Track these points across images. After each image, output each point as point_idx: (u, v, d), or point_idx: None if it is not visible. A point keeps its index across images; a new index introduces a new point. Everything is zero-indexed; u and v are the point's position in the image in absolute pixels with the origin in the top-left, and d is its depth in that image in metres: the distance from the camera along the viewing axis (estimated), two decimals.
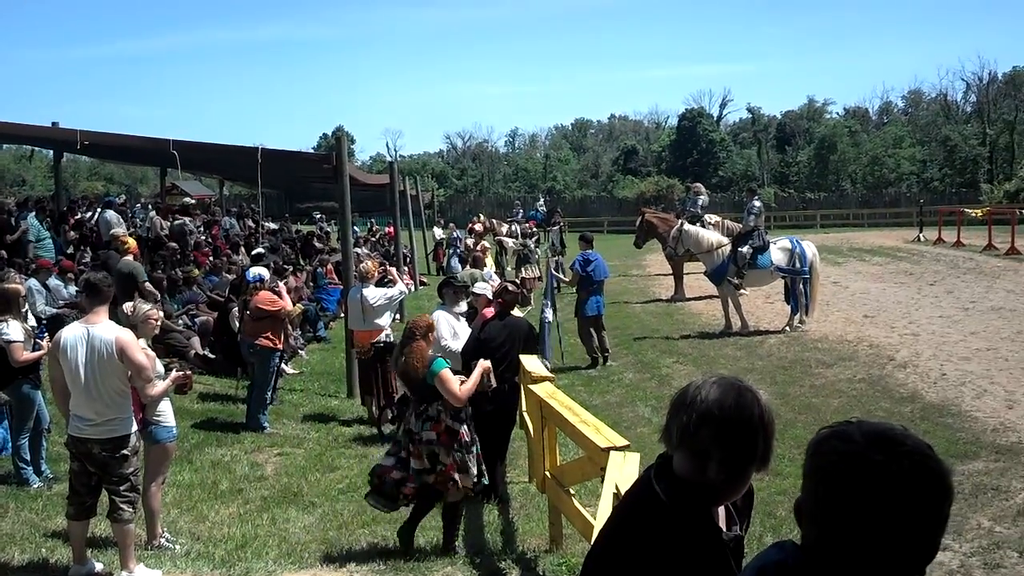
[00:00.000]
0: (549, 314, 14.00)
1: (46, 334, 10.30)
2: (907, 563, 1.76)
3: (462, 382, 7.49)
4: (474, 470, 7.41)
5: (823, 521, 1.80)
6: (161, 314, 8.42)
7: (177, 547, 7.46)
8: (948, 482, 1.79)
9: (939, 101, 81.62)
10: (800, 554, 1.86)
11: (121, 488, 6.70)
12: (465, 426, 7.48)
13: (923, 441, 1.82)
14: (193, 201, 27.22)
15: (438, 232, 34.36)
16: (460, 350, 9.27)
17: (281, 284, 12.60)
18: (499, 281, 12.46)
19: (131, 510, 6.77)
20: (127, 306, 7.72)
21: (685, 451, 2.35)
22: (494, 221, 24.14)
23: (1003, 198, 52.35)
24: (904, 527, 1.73)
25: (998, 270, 24.93)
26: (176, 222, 20.83)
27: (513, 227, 24.85)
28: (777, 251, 17.25)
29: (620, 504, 2.71)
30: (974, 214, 36.22)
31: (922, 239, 36.36)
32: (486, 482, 7.66)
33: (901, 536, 1.73)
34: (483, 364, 7.90)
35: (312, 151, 52.46)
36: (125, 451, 6.69)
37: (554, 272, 15.40)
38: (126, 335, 6.77)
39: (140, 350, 6.81)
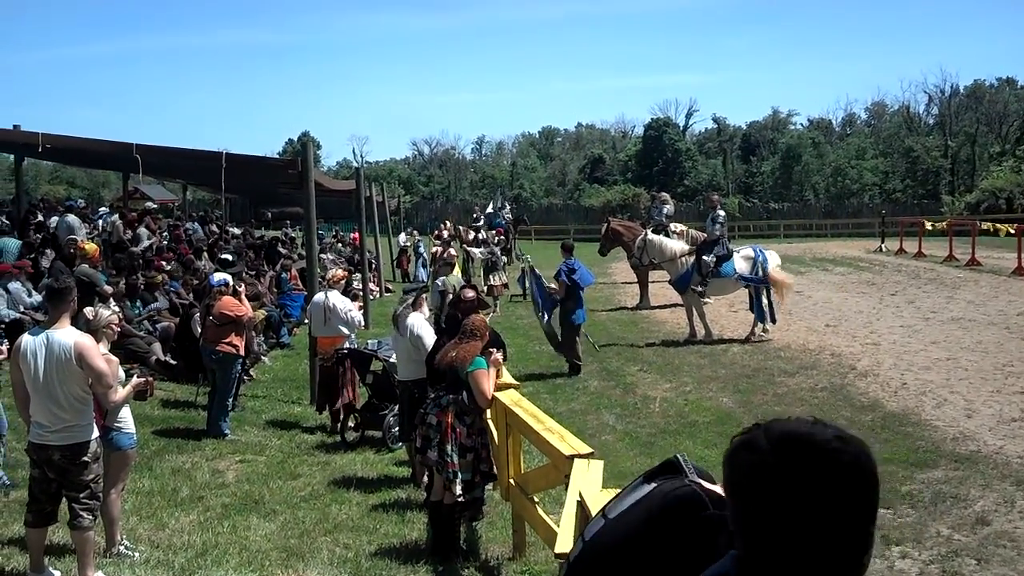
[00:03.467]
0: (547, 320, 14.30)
1: (5, 339, 10.17)
2: (841, 562, 1.71)
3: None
4: (460, 482, 7.34)
5: (747, 534, 1.75)
6: (117, 318, 8.30)
7: (136, 555, 7.36)
8: (866, 470, 1.72)
9: (902, 113, 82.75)
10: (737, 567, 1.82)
11: (81, 495, 6.62)
12: (467, 431, 7.52)
13: (835, 434, 1.73)
14: (155, 206, 26.96)
15: (403, 239, 34.26)
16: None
17: (243, 289, 12.49)
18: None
19: (91, 517, 6.69)
20: (88, 311, 7.63)
21: None
22: (461, 229, 24.05)
23: (964, 210, 53.13)
24: (829, 527, 1.68)
25: (959, 281, 25.24)
26: (138, 228, 20.64)
27: (480, 235, 24.79)
28: (740, 260, 17.36)
29: None
30: (934, 225, 36.66)
31: (884, 249, 36.76)
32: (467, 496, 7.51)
33: (828, 536, 1.68)
34: (497, 357, 7.95)
35: (278, 157, 52.23)
36: (85, 458, 6.62)
37: (541, 281, 15.44)
38: (86, 340, 6.70)
39: (100, 356, 6.74)
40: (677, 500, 2.57)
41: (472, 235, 25.32)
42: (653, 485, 2.72)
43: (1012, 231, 29.35)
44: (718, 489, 2.58)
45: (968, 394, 12.05)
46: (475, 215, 36.74)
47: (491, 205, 37.21)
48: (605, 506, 2.88)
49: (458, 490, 7.35)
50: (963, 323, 17.71)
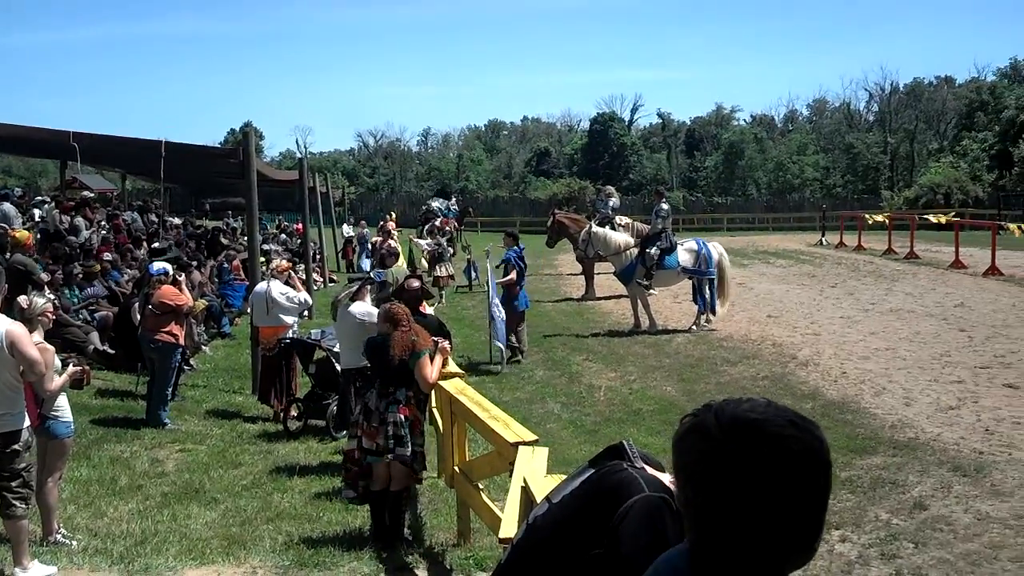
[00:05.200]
0: (497, 311, 14.11)
1: None
2: (793, 545, 1.67)
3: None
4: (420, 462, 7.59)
5: (697, 519, 1.71)
6: (51, 306, 8.13)
7: (74, 543, 7.23)
8: (819, 457, 1.67)
9: (842, 110, 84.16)
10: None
11: (13, 484, 6.50)
12: (423, 416, 7.64)
13: (788, 418, 1.68)
14: (93, 195, 26.43)
15: (347, 230, 33.99)
16: None
17: (182, 279, 12.30)
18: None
19: (24, 506, 6.57)
20: (22, 300, 7.45)
21: None
22: (420, 242, 23.83)
23: (903, 204, 54.12)
24: (781, 513, 1.64)
25: (897, 273, 25.71)
26: (75, 217, 20.22)
27: (433, 238, 24.47)
28: (684, 252, 17.48)
29: None
30: (874, 218, 37.21)
31: (824, 243, 37.31)
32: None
33: (780, 522, 1.64)
34: (444, 345, 7.90)
35: (219, 146, 51.48)
36: (16, 446, 6.51)
37: (491, 275, 15.37)
38: (17, 329, 6.56)
39: (31, 344, 6.59)
40: (615, 484, 2.58)
41: (425, 242, 24.99)
42: (596, 469, 2.73)
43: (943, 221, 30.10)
44: (663, 476, 2.59)
45: (906, 383, 12.27)
46: (424, 208, 36.54)
47: (436, 202, 36.95)
48: (551, 491, 2.88)
49: (424, 474, 7.64)
50: (901, 314, 18.04)
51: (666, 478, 2.52)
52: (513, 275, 14.96)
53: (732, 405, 1.73)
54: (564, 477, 2.94)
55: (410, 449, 7.35)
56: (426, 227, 26.64)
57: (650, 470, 2.64)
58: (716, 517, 1.66)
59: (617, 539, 2.51)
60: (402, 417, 7.36)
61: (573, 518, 2.65)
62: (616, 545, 2.50)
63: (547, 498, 2.84)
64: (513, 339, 14.70)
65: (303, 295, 12.46)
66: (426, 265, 22.74)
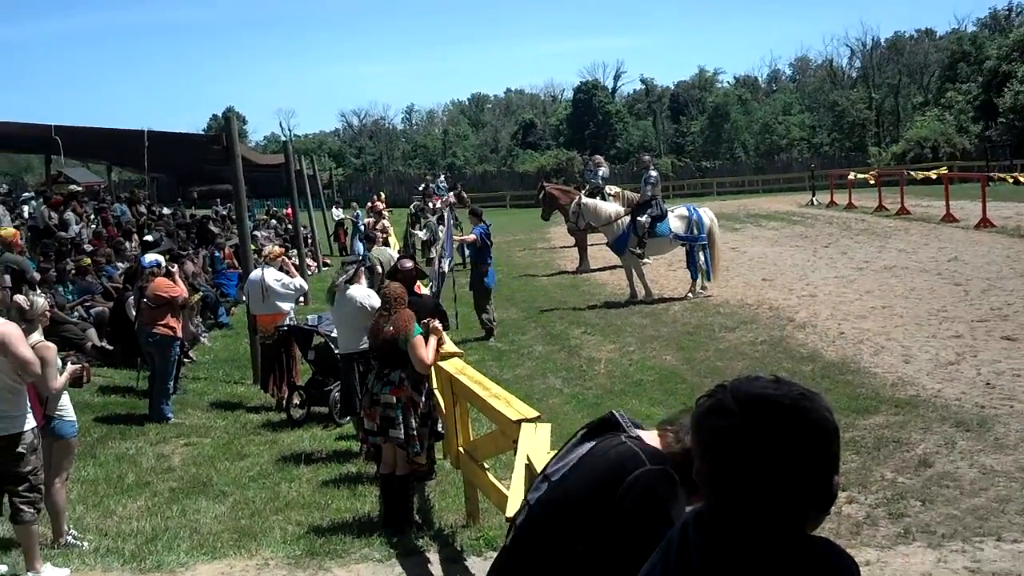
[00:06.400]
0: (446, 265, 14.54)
1: None
2: (808, 508, 1.80)
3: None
4: (426, 448, 7.58)
5: (718, 490, 1.83)
6: (49, 304, 8.10)
7: (85, 544, 7.23)
8: (829, 425, 1.81)
9: (825, 67, 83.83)
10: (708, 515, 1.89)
11: (20, 488, 6.47)
12: (424, 399, 7.56)
13: (799, 391, 1.82)
14: (80, 188, 26.26)
15: (338, 213, 33.86)
16: None
17: (176, 270, 12.24)
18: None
19: (32, 511, 6.54)
20: (21, 300, 7.40)
21: None
22: (418, 233, 23.63)
23: (891, 160, 54.13)
24: (797, 480, 1.77)
25: (889, 230, 25.71)
26: (64, 212, 20.10)
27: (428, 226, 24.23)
28: (675, 219, 17.47)
29: None
30: (858, 176, 37.18)
31: (815, 203, 37.27)
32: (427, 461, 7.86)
33: (796, 488, 1.77)
34: (436, 324, 7.88)
35: (202, 133, 51.21)
36: (20, 449, 6.47)
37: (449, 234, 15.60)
38: (9, 329, 6.51)
39: (25, 343, 6.54)
40: (615, 459, 2.61)
41: (420, 234, 24.76)
42: (592, 443, 2.74)
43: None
44: (655, 442, 2.63)
45: (904, 340, 12.29)
46: (419, 185, 36.36)
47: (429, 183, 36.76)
48: (545, 468, 2.88)
49: (424, 460, 7.58)
50: (896, 271, 18.06)
51: (656, 443, 2.64)
52: (472, 236, 15.20)
53: (746, 383, 1.86)
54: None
55: (403, 432, 7.35)
56: (417, 213, 26.40)
57: (645, 437, 2.67)
58: (736, 486, 1.79)
59: (622, 514, 2.53)
60: (394, 399, 7.37)
61: (576, 496, 2.66)
62: (621, 520, 2.53)
63: (544, 475, 2.85)
64: (485, 317, 14.78)
65: (299, 280, 12.45)
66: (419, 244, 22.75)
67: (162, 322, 11.24)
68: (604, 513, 2.57)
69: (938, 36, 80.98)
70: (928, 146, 53.82)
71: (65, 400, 7.31)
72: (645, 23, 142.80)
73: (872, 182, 34.94)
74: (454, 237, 15.17)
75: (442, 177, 35.47)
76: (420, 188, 33.76)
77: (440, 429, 7.99)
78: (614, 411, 2.86)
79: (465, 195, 32.41)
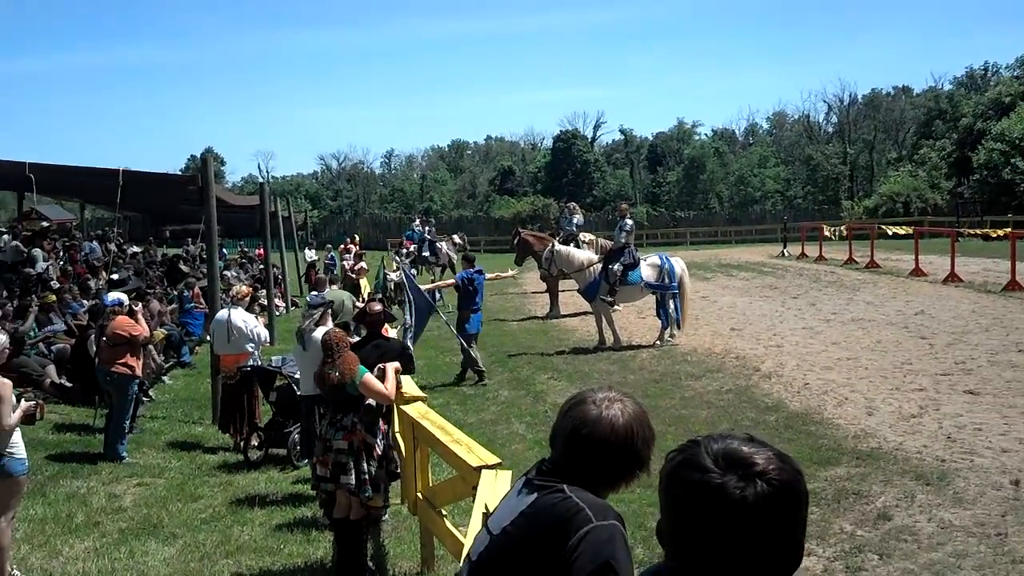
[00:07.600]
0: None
1: None
2: (773, 571, 1.79)
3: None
4: (383, 490, 7.42)
5: (684, 547, 1.82)
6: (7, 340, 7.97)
7: None
8: (802, 489, 1.82)
9: (802, 122, 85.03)
10: None
11: None
12: (379, 441, 7.43)
13: (772, 453, 1.83)
14: (50, 224, 26.10)
15: (310, 254, 33.81)
16: None
17: (139, 308, 12.10)
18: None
19: None
20: None
21: None
22: (392, 275, 23.56)
23: (863, 214, 54.68)
24: (765, 542, 1.76)
25: (858, 283, 25.89)
26: (31, 249, 19.93)
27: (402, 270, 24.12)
28: (647, 267, 17.52)
29: None
30: (832, 233, 37.50)
31: (786, 254, 37.57)
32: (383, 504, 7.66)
33: (764, 550, 1.76)
34: (393, 365, 7.77)
35: (179, 173, 51.14)
36: None
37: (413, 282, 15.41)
38: None
39: None
40: (560, 515, 2.55)
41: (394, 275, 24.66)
42: (535, 496, 2.67)
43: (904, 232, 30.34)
44: (595, 498, 2.58)
45: (868, 392, 12.30)
46: (413, 226, 36.17)
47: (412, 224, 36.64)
48: (485, 520, 2.83)
49: (381, 502, 7.44)
50: (863, 323, 18.14)
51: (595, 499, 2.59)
52: (453, 280, 15.23)
53: (718, 441, 1.87)
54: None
55: (354, 477, 7.22)
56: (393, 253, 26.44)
57: (583, 492, 2.62)
58: (703, 543, 1.78)
59: (571, 574, 2.48)
60: (345, 444, 7.25)
61: (519, 553, 2.60)
62: None
63: (487, 529, 2.78)
64: (471, 364, 14.61)
65: (262, 330, 12.29)
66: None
67: (121, 360, 11.09)
68: (551, 571, 2.52)
69: (915, 93, 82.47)
70: (900, 201, 54.43)
71: (17, 437, 7.14)
72: (626, 75, 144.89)
73: (845, 235, 35.29)
74: (436, 283, 15.04)
75: (417, 221, 35.40)
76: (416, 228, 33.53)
77: (396, 470, 7.84)
78: (545, 459, 2.81)
79: (458, 240, 32.57)
